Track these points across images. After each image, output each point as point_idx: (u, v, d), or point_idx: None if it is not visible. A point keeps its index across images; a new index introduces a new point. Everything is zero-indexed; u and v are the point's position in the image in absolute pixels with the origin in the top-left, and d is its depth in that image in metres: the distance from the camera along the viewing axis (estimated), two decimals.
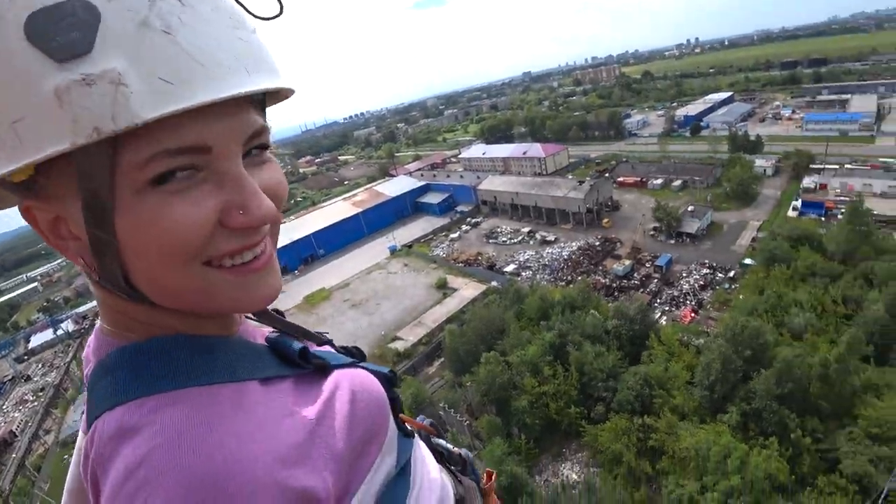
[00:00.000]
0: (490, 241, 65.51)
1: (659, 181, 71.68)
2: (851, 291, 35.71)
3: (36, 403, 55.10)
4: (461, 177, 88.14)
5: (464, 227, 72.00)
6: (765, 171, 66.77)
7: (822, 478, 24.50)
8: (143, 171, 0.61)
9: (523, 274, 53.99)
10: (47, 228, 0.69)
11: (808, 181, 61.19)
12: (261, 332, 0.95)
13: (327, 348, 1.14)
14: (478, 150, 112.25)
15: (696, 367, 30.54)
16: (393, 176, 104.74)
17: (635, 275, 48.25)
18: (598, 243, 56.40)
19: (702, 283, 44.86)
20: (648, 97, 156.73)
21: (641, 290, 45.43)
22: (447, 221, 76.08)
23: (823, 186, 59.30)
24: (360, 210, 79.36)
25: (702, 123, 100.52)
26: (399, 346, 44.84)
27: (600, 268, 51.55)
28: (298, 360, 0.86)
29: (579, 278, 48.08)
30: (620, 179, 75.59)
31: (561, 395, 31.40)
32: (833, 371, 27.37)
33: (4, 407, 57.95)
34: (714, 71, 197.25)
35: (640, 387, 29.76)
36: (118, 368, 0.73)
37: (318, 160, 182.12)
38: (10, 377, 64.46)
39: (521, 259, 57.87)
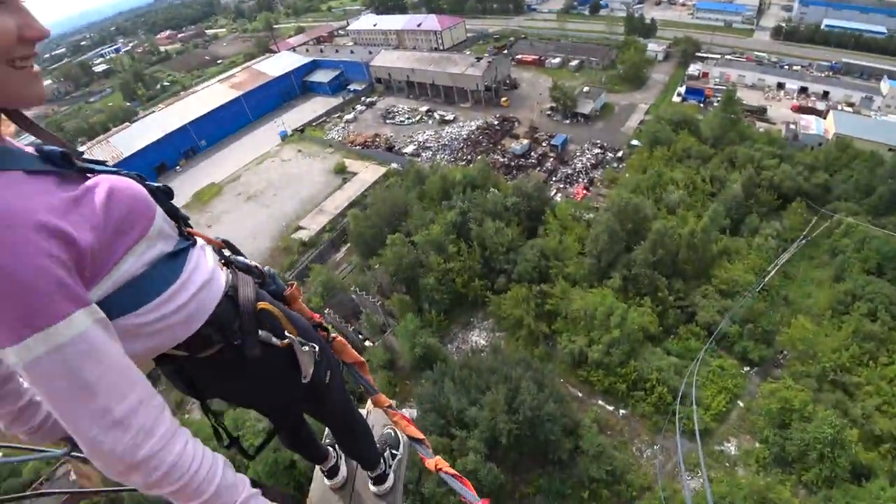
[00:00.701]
0: (387, 121, 62.13)
1: (556, 60, 71.22)
2: (718, 172, 39.93)
3: None
4: (352, 52, 79.51)
5: (358, 108, 66.91)
6: (656, 55, 68.99)
7: (682, 327, 29.56)
8: None
9: (423, 154, 52.82)
10: None
11: (692, 69, 64.39)
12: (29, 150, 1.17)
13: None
14: (368, 22, 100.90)
15: (587, 239, 33.23)
16: (274, 52, 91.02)
17: (532, 154, 49.52)
18: (496, 122, 56.16)
19: (593, 161, 47.49)
20: None
21: (538, 168, 47.09)
22: (340, 101, 69.87)
23: (706, 75, 62.96)
24: (240, 93, 68.94)
25: (601, 2, 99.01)
26: (303, 235, 42.88)
27: (499, 147, 51.98)
28: (60, 160, 1.14)
29: (479, 157, 48.14)
30: (519, 57, 73.81)
31: (466, 270, 32.75)
32: (697, 240, 31.42)
33: None
34: None
35: (538, 258, 31.96)
36: None
37: (182, 35, 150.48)
38: None
39: (421, 139, 56.16)
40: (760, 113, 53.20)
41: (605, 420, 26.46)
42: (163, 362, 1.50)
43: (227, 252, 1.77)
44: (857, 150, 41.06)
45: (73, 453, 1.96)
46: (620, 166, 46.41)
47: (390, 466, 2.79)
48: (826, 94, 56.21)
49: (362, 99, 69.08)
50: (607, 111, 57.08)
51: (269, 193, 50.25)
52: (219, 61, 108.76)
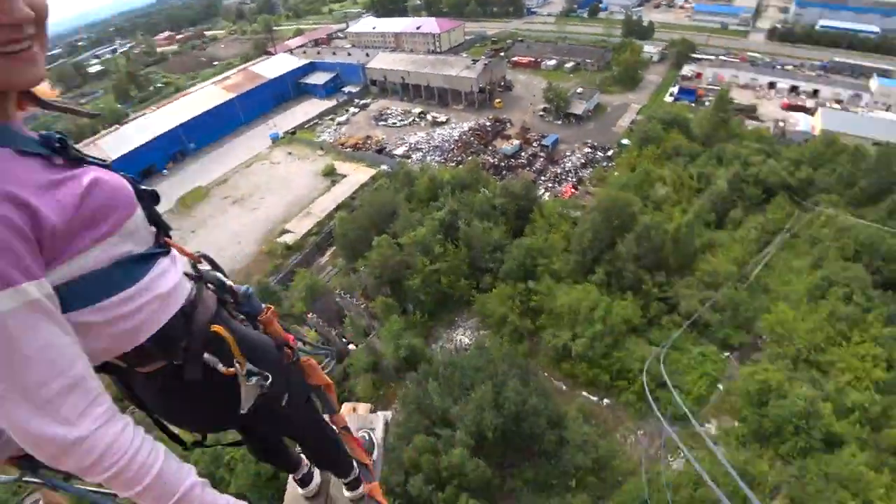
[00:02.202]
0: (379, 123, 61.89)
1: (552, 62, 71.20)
2: (705, 169, 40.24)
3: None
4: (349, 54, 79.52)
5: (351, 110, 66.83)
6: (652, 57, 69.13)
7: (665, 318, 29.74)
8: None
9: (414, 156, 52.56)
10: None
11: (686, 69, 64.62)
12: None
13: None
14: (367, 24, 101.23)
15: (572, 236, 33.11)
16: (271, 54, 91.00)
17: (523, 154, 49.26)
18: (488, 124, 55.91)
19: (583, 161, 47.22)
20: None
21: (528, 168, 46.82)
22: (334, 104, 69.78)
23: (699, 75, 63.25)
24: (234, 95, 68.55)
25: (601, 5, 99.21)
26: (288, 238, 42.55)
27: (490, 148, 51.73)
28: (56, 145, 1.17)
29: (469, 158, 47.89)
30: (515, 59, 73.78)
31: (452, 269, 32.50)
32: (682, 235, 31.74)
33: None
34: None
35: (524, 257, 31.72)
36: None
37: (180, 37, 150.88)
38: None
39: (412, 141, 55.89)
40: (751, 111, 53.16)
41: (590, 410, 26.63)
42: (104, 370, 1.42)
43: (204, 266, 1.74)
44: (843, 145, 41.32)
45: (31, 478, 1.71)
46: (610, 165, 46.19)
47: None
48: (816, 92, 56.40)
49: (356, 101, 69.01)
50: (600, 111, 56.92)
51: (257, 197, 49.98)
52: (215, 63, 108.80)
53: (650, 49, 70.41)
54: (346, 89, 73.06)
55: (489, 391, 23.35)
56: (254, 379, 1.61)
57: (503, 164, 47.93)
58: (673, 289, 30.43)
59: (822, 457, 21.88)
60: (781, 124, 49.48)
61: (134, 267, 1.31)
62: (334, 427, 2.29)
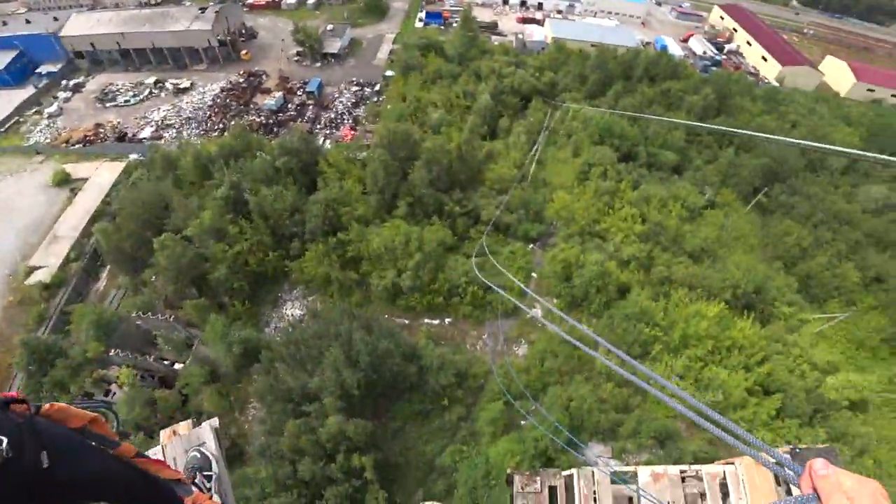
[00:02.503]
0: (108, 104, 51.26)
1: (292, 0, 66.26)
2: (468, 87, 44.16)
3: None
4: (28, 21, 61.41)
5: (62, 95, 53.29)
6: None
7: (472, 230, 32.78)
8: None
9: (166, 135, 45.95)
10: None
11: None
12: None
13: None
14: None
15: (366, 178, 33.71)
16: None
17: (289, 106, 46.97)
18: (242, 80, 51.09)
19: (354, 100, 47.21)
20: None
21: (299, 119, 45.08)
22: (31, 92, 54.36)
23: None
24: None
25: None
26: (41, 276, 34.21)
27: (251, 106, 47.84)
28: None
29: (232, 123, 43.72)
30: (251, 2, 66.55)
31: (255, 246, 30.71)
32: (464, 152, 34.85)
33: None
34: None
35: (325, 211, 31.43)
36: None
37: None
38: None
39: (157, 118, 48.36)
40: (493, 28, 59.51)
41: (436, 333, 28.96)
42: None
43: None
44: (570, 49, 50.19)
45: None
46: (381, 99, 47.20)
47: (209, 489, 2.63)
48: (541, 5, 66.10)
49: (63, 83, 55.00)
50: (356, 47, 56.39)
51: None
52: None
53: None
54: (41, 70, 57.24)
55: (339, 352, 23.62)
56: None
57: (271, 120, 45.14)
58: (471, 202, 33.61)
59: (619, 303, 28.18)
60: (521, 36, 56.89)
61: None
62: (125, 457, 2.15)
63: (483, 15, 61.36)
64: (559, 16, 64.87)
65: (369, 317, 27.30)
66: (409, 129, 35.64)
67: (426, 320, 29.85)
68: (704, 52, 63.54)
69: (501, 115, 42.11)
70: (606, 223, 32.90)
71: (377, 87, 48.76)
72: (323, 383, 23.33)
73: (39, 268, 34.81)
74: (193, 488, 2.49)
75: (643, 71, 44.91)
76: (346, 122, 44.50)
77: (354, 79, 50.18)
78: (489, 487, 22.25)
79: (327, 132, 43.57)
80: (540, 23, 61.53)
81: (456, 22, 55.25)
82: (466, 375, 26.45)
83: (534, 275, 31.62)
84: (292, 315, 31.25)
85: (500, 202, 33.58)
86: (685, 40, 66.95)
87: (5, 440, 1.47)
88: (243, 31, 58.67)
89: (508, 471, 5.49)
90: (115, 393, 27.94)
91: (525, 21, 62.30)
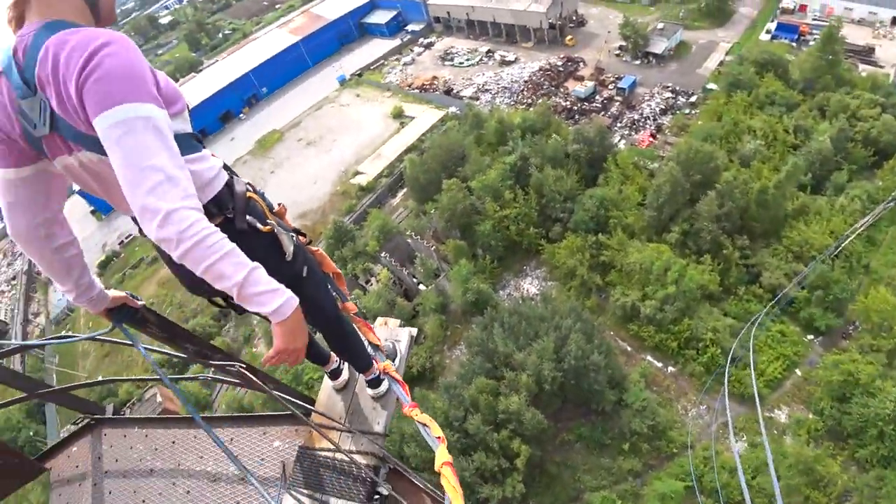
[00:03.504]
0: (446, 63, 60.19)
1: None
2: (805, 122, 35.41)
3: (14, 292, 51.73)
4: None
5: (416, 50, 65.21)
6: None
7: (744, 288, 28.00)
8: None
9: (482, 97, 51.33)
10: None
11: (787, 0, 54.58)
12: None
13: None
14: None
15: (649, 190, 31.53)
16: None
17: (597, 97, 46.90)
18: (560, 63, 53.05)
19: (663, 107, 44.37)
20: None
21: (602, 112, 44.70)
22: (398, 44, 68.28)
23: (803, 8, 53.28)
24: (299, 38, 68.43)
25: None
26: (361, 180, 44.07)
27: (562, 89, 49.42)
28: None
29: (540, 101, 46.10)
30: None
31: (521, 217, 32.58)
32: (770, 196, 28.65)
33: None
34: None
35: (596, 208, 31.17)
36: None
37: None
38: None
39: (480, 82, 54.28)
40: (866, 54, 46.36)
41: (653, 376, 26.42)
42: None
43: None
44: None
45: (123, 324, 2.44)
46: (693, 112, 43.07)
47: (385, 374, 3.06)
48: None
49: (420, 40, 67.17)
50: (683, 50, 52.26)
51: (329, 139, 51.34)
52: (277, 6, 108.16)
53: None
54: (409, 28, 71.00)
55: (551, 343, 23.62)
56: (286, 232, 2.07)
57: (576, 107, 46.01)
58: (756, 256, 28.60)
59: None
60: None
61: (193, 142, 1.78)
62: (347, 312, 2.71)
63: (856, 35, 47.33)
64: None
65: (595, 326, 26.41)
66: (713, 151, 31.61)
67: (649, 358, 27.37)
68: None
69: (839, 168, 32.55)
70: None
71: (692, 99, 44.64)
72: (525, 361, 23.80)
73: (362, 174, 44.75)
74: (386, 359, 2.95)
75: None
76: (648, 127, 42.38)
77: (671, 84, 46.92)
78: None
79: (626, 132, 42.35)
80: None
81: (814, 40, 44.59)
82: (662, 435, 23.60)
83: (798, 372, 25.34)
84: (527, 290, 32.69)
85: (793, 271, 27.42)
86: None
87: (293, 246, 2.07)
88: (574, 18, 60.64)
89: None
90: (372, 284, 34.33)
91: None
